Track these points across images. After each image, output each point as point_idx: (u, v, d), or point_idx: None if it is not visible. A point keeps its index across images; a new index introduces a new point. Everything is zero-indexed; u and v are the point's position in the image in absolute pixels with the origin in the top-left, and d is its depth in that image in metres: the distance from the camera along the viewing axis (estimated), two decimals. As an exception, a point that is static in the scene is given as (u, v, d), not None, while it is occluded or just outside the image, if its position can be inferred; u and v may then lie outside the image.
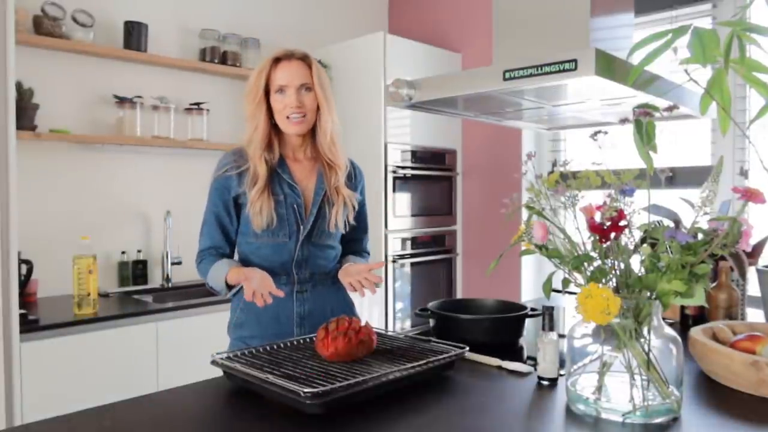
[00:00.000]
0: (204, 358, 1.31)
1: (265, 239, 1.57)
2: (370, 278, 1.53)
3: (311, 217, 1.60)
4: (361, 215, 1.76)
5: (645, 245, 1.03)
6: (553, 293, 1.18)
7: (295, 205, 1.58)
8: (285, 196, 1.58)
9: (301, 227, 1.58)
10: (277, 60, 1.56)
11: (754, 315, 1.80)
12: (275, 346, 1.35)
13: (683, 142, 2.68)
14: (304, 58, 1.57)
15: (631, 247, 1.04)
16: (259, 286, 1.41)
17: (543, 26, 1.56)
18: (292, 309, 1.60)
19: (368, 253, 1.81)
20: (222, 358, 1.24)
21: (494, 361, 1.36)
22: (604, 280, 1.05)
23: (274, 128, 1.59)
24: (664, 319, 1.10)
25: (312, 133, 1.62)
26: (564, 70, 1.26)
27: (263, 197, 1.54)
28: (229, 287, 1.55)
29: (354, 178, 1.72)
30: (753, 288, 1.75)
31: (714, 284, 1.70)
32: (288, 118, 1.55)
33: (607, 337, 1.05)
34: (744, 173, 2.35)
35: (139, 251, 2.80)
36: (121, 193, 2.78)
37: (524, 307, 1.64)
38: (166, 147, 2.86)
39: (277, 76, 1.55)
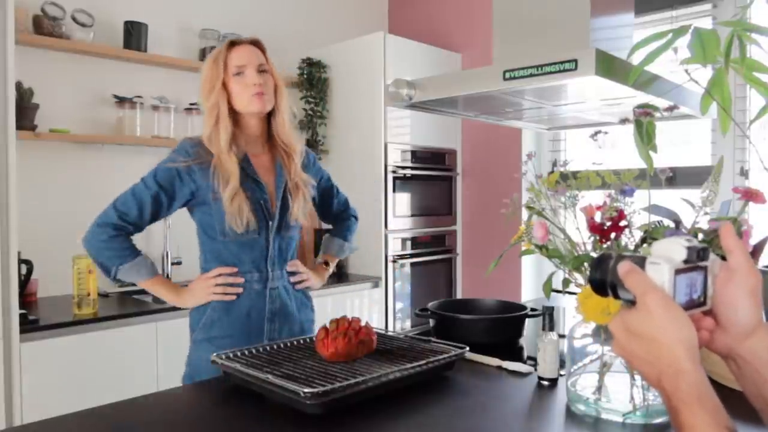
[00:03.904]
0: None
1: (234, 237, 1.52)
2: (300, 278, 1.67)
3: (277, 210, 1.59)
4: (331, 189, 1.82)
5: (645, 245, 1.03)
6: (553, 293, 1.18)
7: (261, 201, 1.56)
8: (251, 192, 1.55)
9: (270, 222, 1.57)
10: (230, 45, 1.56)
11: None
12: (275, 346, 1.35)
13: (682, 142, 2.68)
14: (256, 43, 1.60)
15: (632, 248, 1.04)
16: (215, 284, 1.54)
17: (543, 26, 1.56)
18: (264, 305, 1.57)
19: (356, 218, 1.89)
20: (222, 358, 1.24)
21: (494, 361, 1.37)
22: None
23: (233, 121, 1.56)
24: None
25: (268, 121, 1.63)
26: (564, 70, 1.26)
27: (240, 196, 1.50)
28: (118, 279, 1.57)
29: (308, 161, 1.73)
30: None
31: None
32: (252, 95, 1.53)
33: (607, 337, 1.05)
34: (744, 173, 2.35)
35: (139, 251, 2.80)
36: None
37: (524, 307, 1.64)
38: (166, 147, 2.85)
39: (233, 58, 1.54)
